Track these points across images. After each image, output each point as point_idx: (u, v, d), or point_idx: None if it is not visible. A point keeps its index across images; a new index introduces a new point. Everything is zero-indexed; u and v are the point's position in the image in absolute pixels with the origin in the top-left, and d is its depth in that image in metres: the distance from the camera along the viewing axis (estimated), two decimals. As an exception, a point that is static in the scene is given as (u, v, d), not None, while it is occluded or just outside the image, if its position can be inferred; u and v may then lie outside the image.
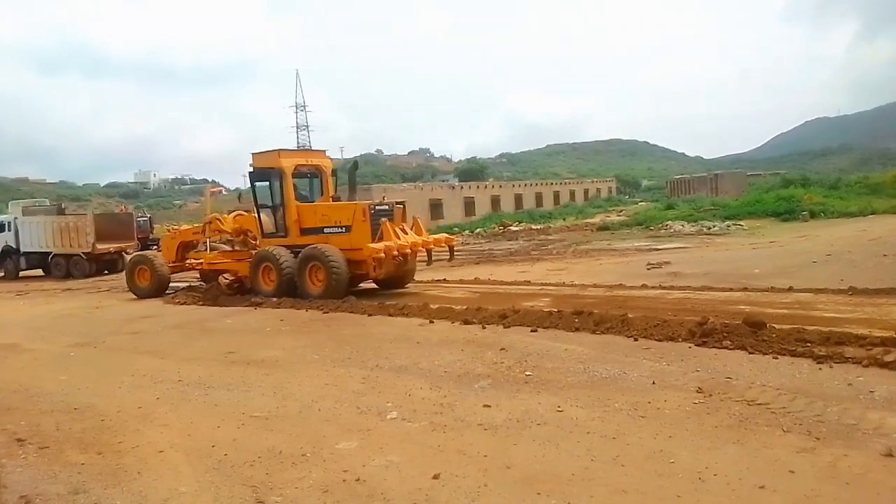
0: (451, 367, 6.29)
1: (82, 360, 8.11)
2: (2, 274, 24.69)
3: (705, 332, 6.51)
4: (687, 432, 4.22)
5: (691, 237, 22.48)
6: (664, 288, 10.51)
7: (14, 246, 24.19)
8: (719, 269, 12.76)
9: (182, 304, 12.91)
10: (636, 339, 6.76)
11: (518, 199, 52.77)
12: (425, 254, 12.58)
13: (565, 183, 66.08)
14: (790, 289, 9.34)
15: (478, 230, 35.82)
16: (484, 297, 10.60)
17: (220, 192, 23.98)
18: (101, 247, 23.03)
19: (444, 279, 13.79)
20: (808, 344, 5.90)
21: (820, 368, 5.35)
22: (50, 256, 23.66)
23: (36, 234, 23.79)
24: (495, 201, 50.09)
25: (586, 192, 64.26)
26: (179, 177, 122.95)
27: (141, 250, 21.36)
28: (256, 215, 13.18)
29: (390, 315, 9.49)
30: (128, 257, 20.19)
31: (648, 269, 13.61)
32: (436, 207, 43.67)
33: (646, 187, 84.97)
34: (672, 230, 25.68)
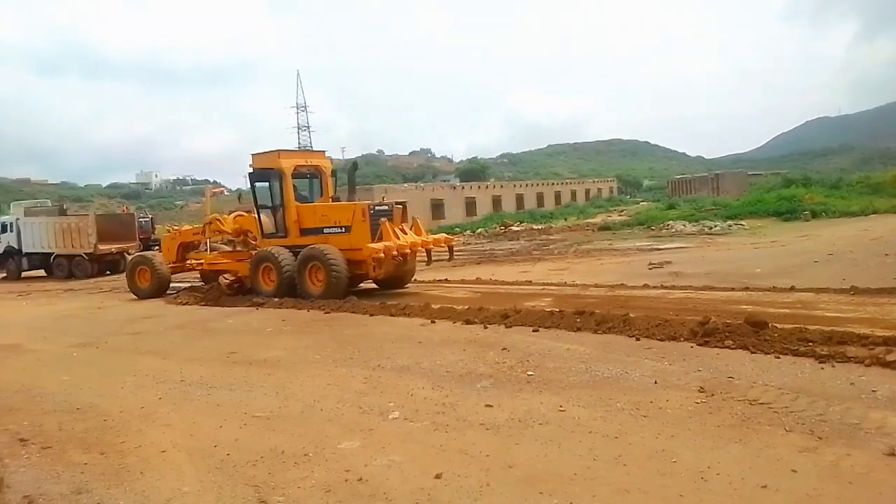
0: (452, 366, 6.30)
1: (84, 361, 8.12)
2: (4, 274, 24.75)
3: (707, 331, 6.50)
4: (689, 432, 4.22)
5: (693, 237, 22.46)
6: (666, 288, 10.50)
7: (16, 247, 24.23)
8: (721, 268, 12.75)
9: (184, 304, 12.94)
10: (638, 339, 6.76)
11: (519, 199, 52.77)
12: (425, 254, 12.60)
13: (566, 183, 66.03)
14: (792, 288, 9.34)
15: (479, 230, 35.82)
16: (485, 296, 10.60)
17: (222, 192, 23.99)
18: (103, 247, 23.09)
19: (446, 279, 13.79)
20: (810, 343, 5.89)
21: (822, 368, 5.34)
22: (52, 257, 23.72)
23: (38, 235, 23.84)
24: (496, 201, 50.09)
25: (587, 192, 64.27)
26: (181, 177, 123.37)
27: (143, 251, 21.39)
28: (256, 216, 13.20)
29: (392, 315, 9.50)
30: (129, 258, 20.23)
31: (650, 268, 13.61)
32: (437, 208, 43.71)
33: (647, 187, 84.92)
34: (673, 230, 25.68)
